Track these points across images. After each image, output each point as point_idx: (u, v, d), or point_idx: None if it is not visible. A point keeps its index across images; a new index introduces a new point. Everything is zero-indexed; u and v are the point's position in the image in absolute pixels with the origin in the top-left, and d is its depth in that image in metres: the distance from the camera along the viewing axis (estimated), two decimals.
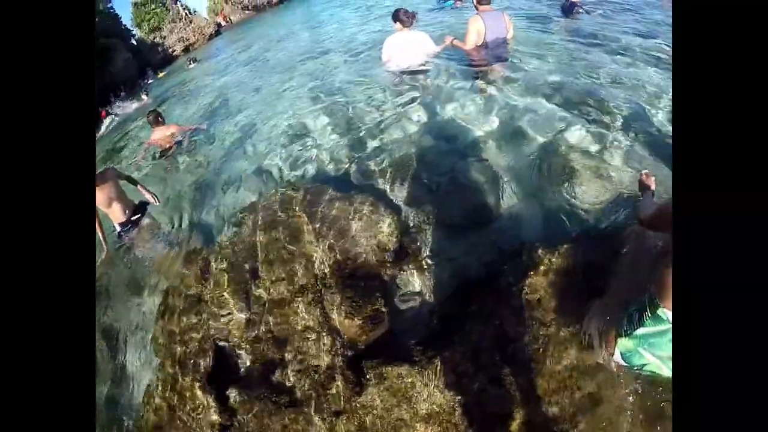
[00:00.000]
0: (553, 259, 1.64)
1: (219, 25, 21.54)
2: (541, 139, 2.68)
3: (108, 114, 11.05)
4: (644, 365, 1.22)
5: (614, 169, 2.44)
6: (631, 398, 1.35)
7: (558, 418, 1.36)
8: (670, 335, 1.11)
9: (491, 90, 3.21)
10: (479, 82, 3.34)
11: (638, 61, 3.73)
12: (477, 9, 3.69)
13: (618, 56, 3.87)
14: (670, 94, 3.57)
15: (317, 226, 2.12)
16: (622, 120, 2.95)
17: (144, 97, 11.02)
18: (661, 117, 3.04)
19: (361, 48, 5.36)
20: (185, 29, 19.76)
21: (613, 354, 1.28)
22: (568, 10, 5.33)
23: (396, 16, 3.79)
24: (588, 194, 2.27)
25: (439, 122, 2.89)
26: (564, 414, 1.36)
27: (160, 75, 15.71)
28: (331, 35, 7.24)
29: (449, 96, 3.17)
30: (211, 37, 19.97)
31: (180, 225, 3.27)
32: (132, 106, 10.94)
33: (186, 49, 19.20)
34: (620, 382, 1.37)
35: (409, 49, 3.86)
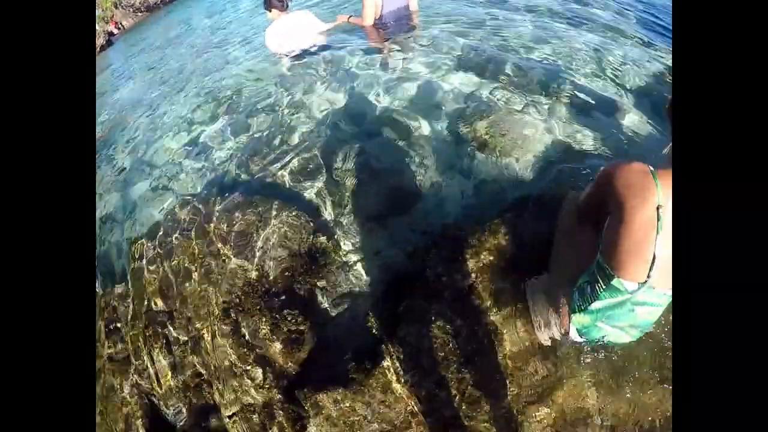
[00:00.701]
0: (482, 238, 1.52)
1: (111, 33, 19.53)
2: (455, 108, 2.54)
3: None
4: (603, 337, 1.15)
5: (538, 130, 2.36)
6: (589, 371, 1.29)
7: (521, 408, 1.27)
8: (629, 305, 1.03)
9: (397, 63, 3.02)
10: (382, 56, 3.15)
11: (553, 20, 3.75)
12: None
13: (532, 16, 3.85)
14: (588, 50, 3.55)
15: (221, 245, 1.89)
16: (540, 79, 2.90)
17: None
18: (581, 75, 3.03)
19: (253, 44, 4.96)
20: None
21: (568, 332, 1.19)
22: None
23: (268, 2, 3.46)
24: (512, 160, 2.16)
25: (344, 106, 2.67)
26: (526, 402, 1.27)
27: None
28: (223, 33, 6.69)
29: (350, 76, 2.94)
30: (102, 48, 18.10)
31: None
32: None
33: None
34: (574, 356, 1.30)
35: (294, 33, 3.52)
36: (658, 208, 0.91)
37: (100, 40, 18.29)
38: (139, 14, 21.14)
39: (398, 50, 3.18)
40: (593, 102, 2.79)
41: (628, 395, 1.24)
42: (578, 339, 1.20)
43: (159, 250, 2.12)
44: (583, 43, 3.37)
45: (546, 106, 2.56)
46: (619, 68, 3.40)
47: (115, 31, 20.49)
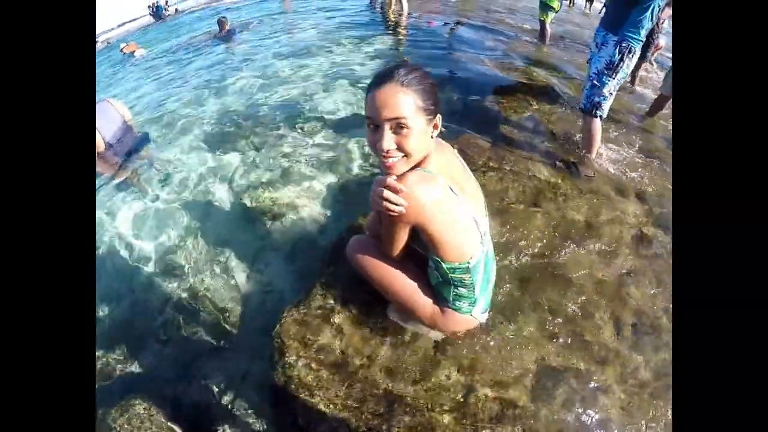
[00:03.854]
0: (322, 303, 1.47)
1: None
2: (225, 191, 2.49)
3: None
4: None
5: (309, 176, 2.43)
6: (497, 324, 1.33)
7: (470, 404, 1.19)
8: (491, 259, 1.18)
9: (146, 184, 2.75)
10: (127, 184, 2.81)
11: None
12: None
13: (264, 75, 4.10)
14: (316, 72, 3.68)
15: None
16: (284, 123, 3.02)
17: None
18: (320, 98, 3.17)
19: None
20: None
21: (479, 320, 1.27)
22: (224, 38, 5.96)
23: None
24: (303, 216, 2.17)
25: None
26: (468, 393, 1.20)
27: None
28: None
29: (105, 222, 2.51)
30: None
31: None
32: None
33: None
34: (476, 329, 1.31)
35: None
36: (452, 189, 0.98)
37: None
38: None
39: (141, 167, 2.90)
40: (341, 118, 2.93)
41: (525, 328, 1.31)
42: (487, 315, 1.30)
43: None
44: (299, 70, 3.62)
45: (303, 148, 2.67)
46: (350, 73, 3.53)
47: None
